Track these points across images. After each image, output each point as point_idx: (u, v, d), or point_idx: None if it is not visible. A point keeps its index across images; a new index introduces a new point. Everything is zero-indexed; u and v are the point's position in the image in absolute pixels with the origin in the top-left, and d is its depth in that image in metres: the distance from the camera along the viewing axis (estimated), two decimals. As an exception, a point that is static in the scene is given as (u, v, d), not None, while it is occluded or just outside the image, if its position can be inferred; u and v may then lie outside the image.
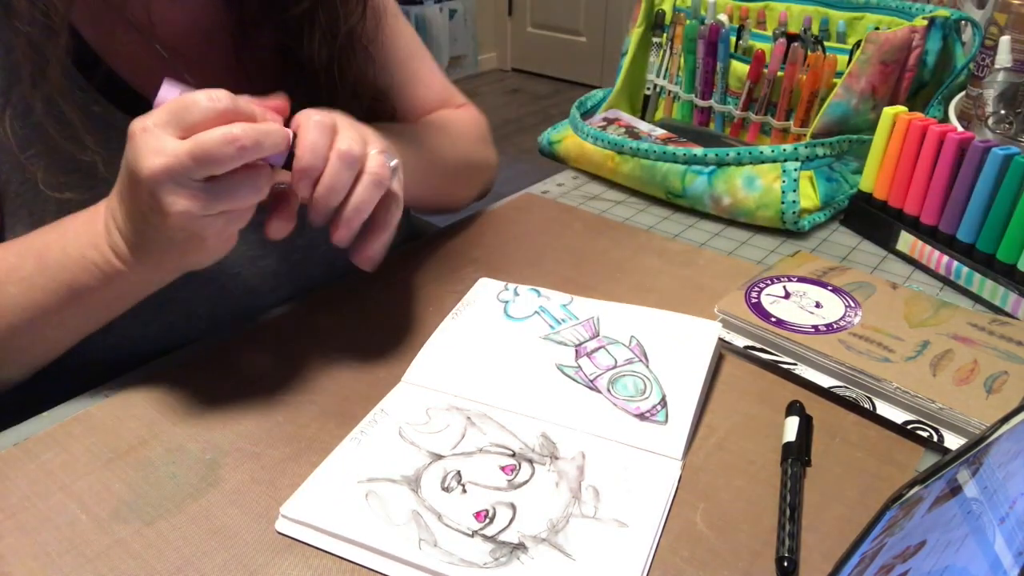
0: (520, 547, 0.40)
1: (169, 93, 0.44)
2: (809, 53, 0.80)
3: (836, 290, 0.58)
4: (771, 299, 0.57)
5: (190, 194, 0.41)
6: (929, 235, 0.67)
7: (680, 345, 0.54)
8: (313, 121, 0.45)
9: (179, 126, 0.41)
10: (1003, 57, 0.74)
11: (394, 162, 0.49)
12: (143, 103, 0.52)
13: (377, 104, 0.67)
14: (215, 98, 0.42)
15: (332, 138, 0.46)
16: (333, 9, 0.60)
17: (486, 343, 0.55)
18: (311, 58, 0.60)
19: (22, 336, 0.49)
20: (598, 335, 0.55)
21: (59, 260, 0.47)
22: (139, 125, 0.42)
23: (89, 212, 0.48)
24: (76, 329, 0.51)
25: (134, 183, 0.42)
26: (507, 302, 0.59)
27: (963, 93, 0.80)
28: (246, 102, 0.43)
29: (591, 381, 0.51)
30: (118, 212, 0.45)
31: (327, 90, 0.61)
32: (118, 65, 0.54)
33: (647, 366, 0.52)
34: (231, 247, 0.46)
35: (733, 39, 0.87)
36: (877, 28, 0.82)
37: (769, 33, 0.86)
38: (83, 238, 0.47)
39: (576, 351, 0.54)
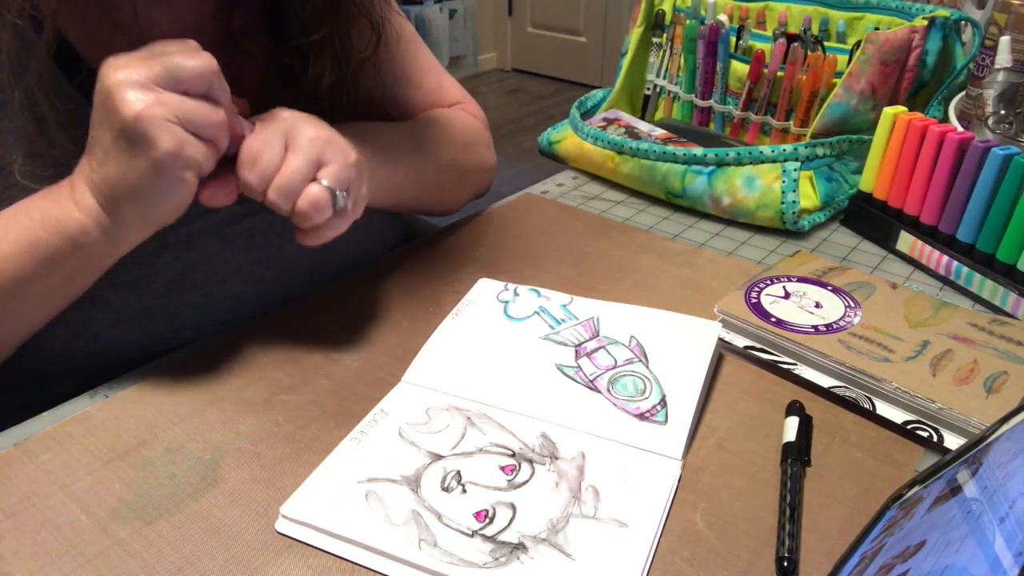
0: (520, 547, 0.40)
1: None
2: (809, 53, 0.80)
3: (836, 290, 0.58)
4: (771, 299, 0.57)
5: (153, 96, 0.43)
6: (929, 235, 0.67)
7: (680, 345, 0.54)
8: (264, 135, 0.48)
9: (149, 54, 0.44)
10: (1003, 57, 0.74)
11: (342, 195, 0.49)
12: None
13: (375, 114, 0.66)
14: (186, 39, 0.45)
15: (282, 152, 0.48)
16: (348, 40, 0.59)
17: (486, 343, 0.55)
18: (316, 79, 0.59)
19: None
20: (598, 335, 0.55)
21: (22, 222, 0.47)
22: (113, 57, 0.44)
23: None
24: (43, 300, 0.50)
25: (100, 98, 0.44)
26: (507, 302, 0.59)
27: (963, 93, 0.80)
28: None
29: (591, 381, 0.51)
30: (84, 159, 0.46)
31: (327, 107, 0.60)
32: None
33: (647, 366, 0.52)
34: (189, 198, 0.46)
35: (733, 39, 0.87)
36: (877, 28, 0.82)
37: (769, 33, 0.86)
38: (47, 198, 0.47)
39: (576, 351, 0.54)
